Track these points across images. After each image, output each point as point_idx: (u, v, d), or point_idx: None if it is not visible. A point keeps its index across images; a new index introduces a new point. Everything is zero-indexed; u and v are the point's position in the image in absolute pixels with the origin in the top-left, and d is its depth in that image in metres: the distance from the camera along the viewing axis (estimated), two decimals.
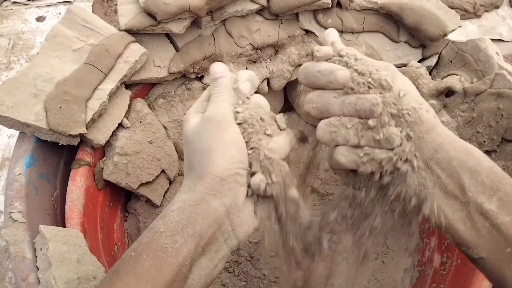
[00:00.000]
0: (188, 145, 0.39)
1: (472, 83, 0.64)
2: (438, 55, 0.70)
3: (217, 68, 0.42)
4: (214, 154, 0.36)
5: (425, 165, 0.36)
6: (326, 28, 0.71)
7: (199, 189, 0.36)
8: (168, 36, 0.67)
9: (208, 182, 0.36)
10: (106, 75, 0.58)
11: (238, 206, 0.37)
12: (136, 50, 0.61)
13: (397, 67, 0.70)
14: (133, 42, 0.62)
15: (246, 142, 0.38)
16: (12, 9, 1.11)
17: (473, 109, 0.60)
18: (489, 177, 0.34)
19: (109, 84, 0.57)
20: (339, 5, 0.70)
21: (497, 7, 1.11)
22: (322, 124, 0.39)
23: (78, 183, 0.56)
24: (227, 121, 0.38)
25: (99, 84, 0.57)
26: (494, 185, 0.34)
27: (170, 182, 0.70)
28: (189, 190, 0.36)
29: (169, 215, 0.35)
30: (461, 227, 0.34)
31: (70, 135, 0.53)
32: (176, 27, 0.63)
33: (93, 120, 0.56)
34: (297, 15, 0.71)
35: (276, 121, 0.42)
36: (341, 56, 0.39)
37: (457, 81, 0.65)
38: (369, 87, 0.37)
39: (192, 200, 0.35)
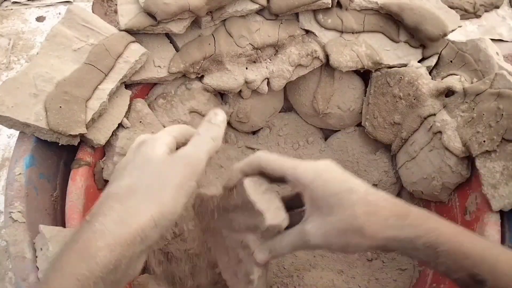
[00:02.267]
0: (149, 167, 0.36)
1: (472, 83, 0.64)
2: (438, 55, 0.70)
3: (220, 116, 0.41)
4: (169, 194, 0.35)
5: None
6: (326, 28, 0.71)
7: (136, 225, 0.33)
8: (168, 36, 0.67)
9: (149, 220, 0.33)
10: (106, 75, 0.58)
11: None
12: (136, 50, 0.61)
13: (397, 67, 0.70)
14: (133, 42, 0.62)
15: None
16: (12, 9, 1.11)
17: (473, 109, 0.60)
18: None
19: (109, 84, 0.58)
20: (339, 5, 0.70)
21: (497, 7, 1.11)
22: None
23: (78, 183, 0.56)
24: (199, 170, 0.37)
25: (99, 84, 0.57)
26: None
27: None
28: (122, 222, 0.33)
29: (95, 256, 0.31)
30: None
31: (70, 135, 0.53)
32: (176, 27, 0.63)
33: (93, 120, 0.56)
34: (297, 15, 0.71)
35: None
36: None
37: (457, 81, 0.65)
38: None
39: (125, 239, 0.32)
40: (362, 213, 0.37)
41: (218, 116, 0.40)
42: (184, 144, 0.39)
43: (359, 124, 0.81)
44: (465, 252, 0.35)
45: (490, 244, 0.37)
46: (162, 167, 0.36)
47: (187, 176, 0.36)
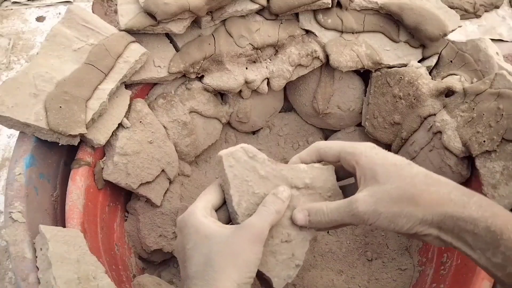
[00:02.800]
0: (214, 239, 0.39)
1: (472, 83, 0.64)
2: (438, 55, 0.70)
3: (286, 193, 0.43)
4: (243, 260, 0.38)
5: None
6: (326, 28, 0.71)
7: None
8: (168, 36, 0.67)
9: None
10: (106, 75, 0.58)
11: None
12: (136, 50, 0.61)
13: (397, 67, 0.70)
14: (133, 42, 0.62)
15: None
16: (12, 9, 1.11)
17: (473, 109, 0.60)
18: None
19: (109, 84, 0.57)
20: (339, 5, 0.70)
21: (497, 7, 1.11)
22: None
23: (78, 183, 0.56)
24: (264, 238, 0.39)
25: (99, 84, 0.57)
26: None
27: (170, 182, 0.70)
28: None
29: None
30: None
31: (70, 135, 0.53)
32: (176, 27, 0.63)
33: (93, 120, 0.56)
34: (297, 15, 0.71)
35: None
36: None
37: (457, 81, 0.65)
38: None
39: None
40: (422, 183, 0.35)
41: (284, 192, 0.42)
42: (220, 203, 0.44)
43: (359, 124, 0.81)
44: (500, 228, 0.33)
45: None
46: (228, 237, 0.38)
47: (254, 240, 0.38)
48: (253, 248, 0.38)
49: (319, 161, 0.46)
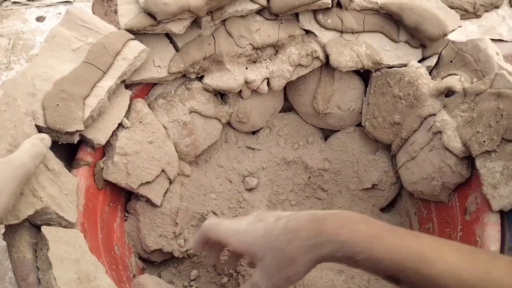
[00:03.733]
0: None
1: (472, 83, 0.64)
2: (438, 55, 0.70)
3: None
4: None
5: None
6: (326, 28, 0.71)
7: None
8: (168, 36, 0.67)
9: None
10: (104, 73, 0.58)
11: None
12: (135, 47, 0.61)
13: (397, 67, 0.70)
14: (132, 39, 0.61)
15: None
16: (12, 9, 1.11)
17: (473, 109, 0.60)
18: None
19: (108, 82, 0.57)
20: (339, 5, 0.70)
21: (497, 7, 1.11)
22: None
23: (78, 183, 0.56)
24: None
25: (97, 82, 0.57)
26: None
27: (170, 182, 0.70)
28: None
29: None
30: None
31: (68, 132, 0.52)
32: (176, 27, 0.63)
33: (92, 119, 0.56)
34: (297, 15, 0.71)
35: None
36: None
37: (457, 81, 0.65)
38: None
39: None
40: (285, 243, 0.39)
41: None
42: None
43: (359, 124, 0.81)
44: (377, 258, 0.36)
45: (400, 242, 0.37)
46: None
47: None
48: None
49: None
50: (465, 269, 0.35)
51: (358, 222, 0.39)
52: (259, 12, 0.70)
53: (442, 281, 0.35)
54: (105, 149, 0.62)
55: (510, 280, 0.35)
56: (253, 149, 0.83)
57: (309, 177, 0.80)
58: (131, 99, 0.64)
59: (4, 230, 0.46)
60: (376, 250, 0.37)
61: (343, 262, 0.38)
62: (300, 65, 0.72)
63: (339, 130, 0.83)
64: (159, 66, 0.65)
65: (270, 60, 0.72)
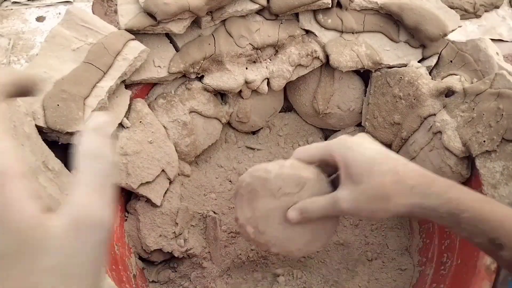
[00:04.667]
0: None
1: (472, 83, 0.64)
2: (438, 55, 0.70)
3: None
4: None
5: None
6: (326, 28, 0.71)
7: None
8: (168, 36, 0.67)
9: None
10: (105, 73, 0.58)
11: None
12: (135, 48, 0.61)
13: (397, 67, 0.70)
14: (132, 40, 0.61)
15: None
16: (12, 9, 1.11)
17: (473, 109, 0.60)
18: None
19: (108, 82, 0.57)
20: (339, 5, 0.70)
21: (497, 7, 1.10)
22: None
23: None
24: None
25: (97, 82, 0.57)
26: None
27: (170, 182, 0.70)
28: None
29: None
30: None
31: (68, 132, 0.53)
32: (176, 27, 0.63)
33: None
34: (297, 15, 0.71)
35: None
36: None
37: (457, 81, 0.65)
38: None
39: None
40: (389, 182, 0.40)
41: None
42: None
43: (359, 124, 0.81)
44: (484, 218, 0.38)
45: (508, 211, 0.39)
46: None
47: None
48: None
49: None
50: None
51: (464, 187, 0.40)
52: (259, 12, 0.70)
53: None
54: None
55: None
56: (253, 149, 0.82)
57: None
58: (131, 99, 0.63)
59: None
60: (485, 212, 0.38)
61: (443, 221, 0.39)
62: (300, 65, 0.72)
63: (339, 130, 0.83)
64: (159, 66, 0.65)
65: (270, 60, 0.72)
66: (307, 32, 0.72)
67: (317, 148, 0.46)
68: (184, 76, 0.69)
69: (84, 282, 0.22)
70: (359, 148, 0.43)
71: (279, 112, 0.85)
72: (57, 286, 0.21)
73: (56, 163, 0.52)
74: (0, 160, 0.20)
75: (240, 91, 0.73)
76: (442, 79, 0.68)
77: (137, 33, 0.63)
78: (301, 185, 0.45)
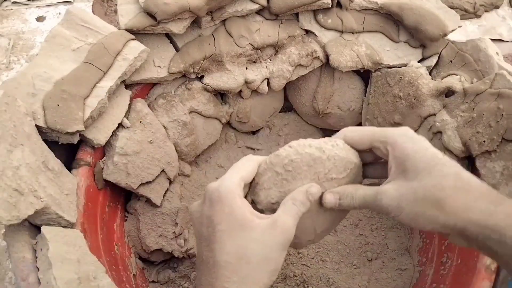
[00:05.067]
0: (249, 233, 0.38)
1: (472, 83, 0.64)
2: (438, 55, 0.70)
3: (315, 188, 0.40)
4: (273, 262, 0.40)
5: None
6: (326, 28, 0.71)
7: None
8: (168, 36, 0.67)
9: None
10: (105, 73, 0.58)
11: None
12: (135, 48, 0.61)
13: (397, 67, 0.70)
14: (132, 40, 0.61)
15: None
16: (12, 9, 1.11)
17: (473, 109, 0.60)
18: None
19: (108, 82, 0.57)
20: (339, 5, 0.70)
21: (497, 7, 1.11)
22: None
23: (78, 183, 0.56)
24: (291, 238, 0.39)
25: (97, 82, 0.57)
26: None
27: (170, 182, 0.70)
28: None
29: None
30: None
31: (68, 132, 0.53)
32: (176, 27, 0.63)
33: (92, 119, 0.56)
34: (297, 15, 0.71)
35: None
36: None
37: (457, 81, 0.65)
38: None
39: None
40: (450, 186, 0.34)
41: (314, 188, 0.40)
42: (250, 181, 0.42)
43: (359, 124, 0.81)
44: None
45: None
46: (264, 236, 0.37)
47: (284, 245, 0.38)
48: (283, 253, 0.38)
49: None
50: None
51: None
52: (259, 12, 0.70)
53: None
54: (105, 149, 0.62)
55: None
56: (253, 149, 0.82)
57: None
58: (131, 99, 0.64)
59: (4, 230, 0.46)
60: None
61: (495, 246, 0.33)
62: (300, 65, 0.72)
63: (339, 130, 0.83)
64: (159, 66, 0.65)
65: (270, 60, 0.72)
66: (307, 32, 0.72)
67: (371, 131, 0.40)
68: (184, 76, 0.69)
69: (266, 261, 0.37)
70: (422, 143, 0.37)
71: (279, 112, 0.85)
72: (257, 251, 0.37)
73: (56, 163, 0.52)
74: (228, 184, 0.39)
75: (240, 91, 0.73)
76: (442, 79, 0.68)
77: (137, 33, 0.63)
78: (347, 171, 0.40)
